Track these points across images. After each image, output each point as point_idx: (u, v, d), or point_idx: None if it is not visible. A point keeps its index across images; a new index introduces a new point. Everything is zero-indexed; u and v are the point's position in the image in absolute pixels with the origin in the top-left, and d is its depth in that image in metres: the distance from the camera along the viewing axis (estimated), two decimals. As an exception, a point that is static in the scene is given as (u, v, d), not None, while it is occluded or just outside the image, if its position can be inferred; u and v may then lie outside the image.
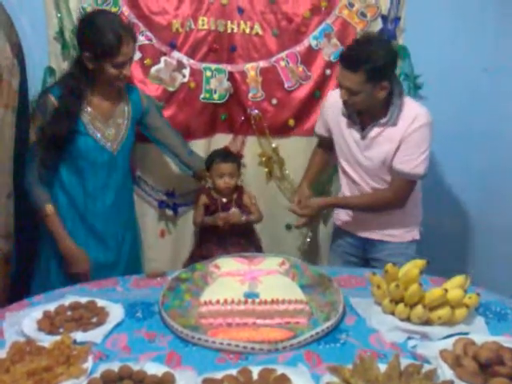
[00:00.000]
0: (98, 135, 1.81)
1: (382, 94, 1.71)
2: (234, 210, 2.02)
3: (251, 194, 2.13)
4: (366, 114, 1.80)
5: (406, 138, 1.74)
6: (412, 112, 1.75)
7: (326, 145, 2.04)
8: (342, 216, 2.03)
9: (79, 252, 1.83)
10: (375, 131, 1.79)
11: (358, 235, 1.99)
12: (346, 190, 1.99)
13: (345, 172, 1.95)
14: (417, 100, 2.16)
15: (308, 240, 2.31)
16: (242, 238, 2.06)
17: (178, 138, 2.06)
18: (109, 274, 1.75)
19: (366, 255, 2.01)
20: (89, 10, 2.06)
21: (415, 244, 1.96)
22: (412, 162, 1.75)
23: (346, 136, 1.88)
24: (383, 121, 1.77)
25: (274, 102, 2.22)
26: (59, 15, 2.06)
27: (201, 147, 2.25)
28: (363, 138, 1.83)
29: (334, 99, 1.89)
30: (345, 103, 1.79)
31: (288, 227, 2.37)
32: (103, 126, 1.82)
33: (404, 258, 1.85)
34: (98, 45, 1.67)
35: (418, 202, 1.96)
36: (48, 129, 1.73)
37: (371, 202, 1.89)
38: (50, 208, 1.78)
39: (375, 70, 1.65)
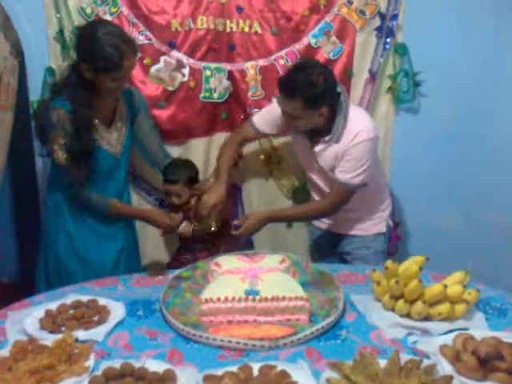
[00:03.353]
0: (105, 144, 1.81)
1: (321, 119, 1.76)
2: (183, 224, 1.97)
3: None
4: (311, 131, 1.85)
5: (347, 150, 1.79)
6: (355, 128, 1.78)
7: (245, 137, 2.06)
8: None
9: (152, 213, 1.87)
10: (320, 147, 1.85)
11: (332, 231, 2.08)
12: (312, 191, 2.06)
13: (306, 174, 2.03)
14: (415, 98, 2.18)
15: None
16: (207, 243, 2.05)
17: (158, 139, 2.06)
18: (111, 273, 1.77)
19: (337, 249, 2.09)
20: (88, 10, 2.07)
21: (382, 236, 2.03)
22: (350, 173, 1.80)
23: (301, 143, 1.94)
24: (327, 138, 1.82)
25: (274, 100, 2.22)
26: (58, 15, 2.06)
27: (201, 146, 2.25)
28: (312, 148, 1.89)
29: None
30: (288, 126, 1.86)
31: (288, 225, 2.37)
32: (107, 134, 1.82)
33: (371, 250, 1.99)
34: (98, 58, 1.62)
35: (383, 197, 2.03)
36: (75, 145, 1.69)
37: (306, 212, 1.97)
38: (112, 201, 1.82)
39: (312, 97, 1.68)
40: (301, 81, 1.67)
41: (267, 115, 2.00)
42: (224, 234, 2.00)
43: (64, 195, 1.83)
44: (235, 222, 1.87)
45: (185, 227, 1.97)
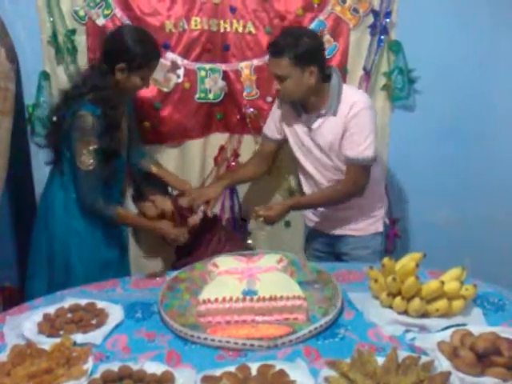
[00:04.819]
0: (118, 146, 1.84)
1: (312, 79, 1.76)
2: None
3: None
4: (308, 106, 1.85)
5: (347, 124, 1.79)
6: (350, 99, 1.79)
7: (268, 152, 2.07)
8: (310, 216, 2.09)
9: (163, 225, 1.93)
10: (318, 122, 1.84)
11: (326, 232, 2.05)
12: (305, 187, 2.03)
13: (302, 168, 2.00)
14: (410, 95, 2.18)
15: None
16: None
17: (136, 138, 2.07)
18: (117, 271, 1.80)
19: (334, 250, 2.06)
20: (81, 13, 2.08)
21: (380, 236, 2.01)
22: (358, 148, 1.79)
23: (297, 130, 1.92)
24: (323, 111, 1.82)
25: (269, 99, 2.22)
26: (52, 19, 2.06)
27: (197, 147, 2.25)
28: (310, 129, 1.87)
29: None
30: (278, 93, 1.85)
31: (286, 224, 2.37)
32: (118, 134, 1.84)
33: (369, 250, 1.96)
34: (135, 56, 1.74)
35: (380, 195, 2.02)
36: (106, 148, 1.75)
37: (331, 196, 1.91)
38: (119, 210, 1.85)
39: (300, 53, 1.71)
40: (288, 39, 1.73)
41: (271, 121, 2.03)
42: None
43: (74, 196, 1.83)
44: (257, 209, 1.86)
45: (191, 220, 1.98)
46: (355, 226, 1.99)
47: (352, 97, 1.81)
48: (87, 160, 1.72)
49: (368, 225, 1.99)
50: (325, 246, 2.10)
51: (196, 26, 2.13)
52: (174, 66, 2.15)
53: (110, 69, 1.77)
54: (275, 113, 2.02)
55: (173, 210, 1.99)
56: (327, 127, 1.83)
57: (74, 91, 1.80)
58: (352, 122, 1.78)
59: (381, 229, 2.01)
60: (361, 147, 1.79)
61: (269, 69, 1.82)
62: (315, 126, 1.86)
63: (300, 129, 1.93)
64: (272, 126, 2.03)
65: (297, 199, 1.96)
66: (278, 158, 2.29)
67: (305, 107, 1.88)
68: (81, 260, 1.85)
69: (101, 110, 1.73)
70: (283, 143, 2.06)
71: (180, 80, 2.16)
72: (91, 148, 1.72)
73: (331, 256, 2.08)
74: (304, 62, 1.72)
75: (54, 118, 1.81)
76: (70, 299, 1.46)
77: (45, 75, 2.13)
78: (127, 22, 2.10)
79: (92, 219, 1.84)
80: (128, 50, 1.74)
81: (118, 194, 1.93)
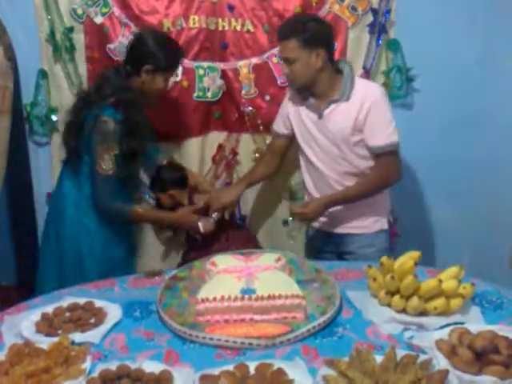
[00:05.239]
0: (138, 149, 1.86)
1: (319, 62, 1.77)
2: (201, 223, 1.97)
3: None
4: (317, 93, 1.84)
5: (365, 114, 1.78)
6: (364, 87, 1.82)
7: (279, 148, 2.06)
8: None
9: (183, 215, 1.93)
10: (330, 108, 1.83)
11: (331, 231, 2.01)
12: (308, 181, 2.00)
13: (307, 160, 1.96)
14: (408, 94, 2.17)
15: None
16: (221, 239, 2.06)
17: (151, 135, 2.05)
18: (124, 270, 1.80)
19: (339, 249, 2.02)
20: (79, 11, 2.07)
21: (384, 233, 1.98)
22: (384, 134, 1.80)
23: (306, 121, 1.91)
24: (336, 97, 1.82)
25: (267, 98, 2.22)
26: (50, 17, 2.06)
27: (195, 146, 2.25)
28: (320, 116, 1.86)
29: (293, 92, 1.95)
30: (288, 78, 1.86)
31: (285, 223, 2.37)
32: (139, 137, 1.86)
33: (374, 248, 1.92)
34: (163, 57, 1.80)
35: (384, 192, 1.98)
36: (128, 152, 1.77)
37: (368, 188, 1.88)
38: (135, 208, 1.86)
39: (307, 36, 1.74)
40: (295, 22, 1.79)
41: (280, 116, 2.03)
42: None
43: (87, 196, 1.84)
44: (293, 209, 1.85)
45: (206, 224, 1.96)
46: (360, 224, 1.95)
47: (366, 85, 1.84)
48: (107, 165, 1.74)
49: (373, 222, 1.96)
50: (329, 245, 2.04)
51: (194, 24, 2.13)
52: (173, 65, 2.15)
53: (135, 71, 1.80)
54: (284, 107, 2.00)
55: (188, 205, 2.01)
56: (339, 113, 1.82)
57: (96, 93, 1.81)
58: (372, 110, 1.78)
59: (385, 226, 1.98)
60: (386, 133, 1.79)
61: (279, 53, 1.87)
62: (327, 111, 1.84)
63: (308, 118, 1.90)
64: (280, 121, 2.02)
65: (334, 195, 1.89)
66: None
67: (314, 94, 1.86)
68: (92, 258, 1.85)
69: (122, 115, 1.75)
70: (292, 139, 2.03)
71: (178, 78, 2.15)
72: (112, 153, 1.74)
73: (335, 255, 2.03)
74: (311, 45, 1.74)
75: (72, 119, 1.82)
76: (68, 298, 1.46)
77: (43, 73, 2.13)
78: (125, 20, 2.10)
79: (103, 218, 1.84)
80: (155, 51, 1.79)
81: (132, 192, 1.93)
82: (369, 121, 1.79)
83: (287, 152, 2.10)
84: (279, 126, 2.04)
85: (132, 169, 1.85)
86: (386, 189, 1.93)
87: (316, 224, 2.05)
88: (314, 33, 1.75)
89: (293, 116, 1.96)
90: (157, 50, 1.80)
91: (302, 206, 1.90)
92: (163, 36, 1.90)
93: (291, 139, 2.04)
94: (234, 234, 2.10)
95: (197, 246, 2.06)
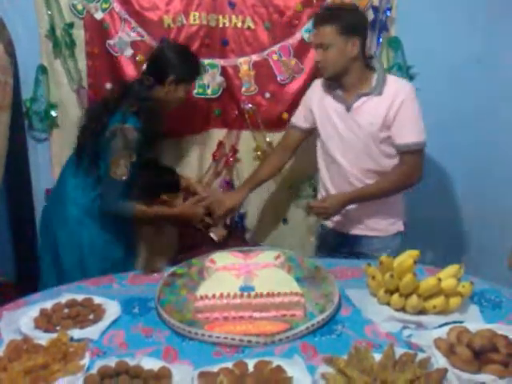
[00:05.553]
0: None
1: (354, 51, 1.75)
2: (214, 230, 1.98)
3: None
4: (347, 86, 1.81)
5: (395, 110, 1.76)
6: (395, 83, 1.80)
7: (293, 142, 2.01)
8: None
9: (185, 209, 1.94)
10: (360, 101, 1.79)
11: (345, 232, 1.96)
12: (325, 176, 1.94)
13: (328, 154, 1.90)
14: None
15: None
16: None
17: None
18: (125, 269, 1.78)
19: (353, 251, 1.96)
20: (79, 7, 2.07)
21: (400, 236, 1.94)
22: (412, 132, 1.77)
23: (331, 113, 1.86)
24: (367, 90, 1.79)
25: (268, 95, 2.22)
26: (50, 13, 2.05)
27: (195, 143, 2.25)
28: (348, 109, 1.81)
29: (318, 85, 1.92)
30: (319, 65, 1.81)
31: (284, 221, 2.37)
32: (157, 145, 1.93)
33: (389, 250, 1.83)
34: (189, 69, 1.88)
35: (400, 194, 1.94)
36: (145, 160, 1.82)
37: (392, 186, 1.84)
38: (137, 206, 1.83)
39: (345, 23, 1.73)
40: (334, 9, 1.83)
41: (301, 108, 1.99)
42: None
43: (92, 198, 1.84)
44: (311, 203, 1.82)
45: (219, 232, 1.97)
46: (376, 226, 1.91)
47: (397, 81, 1.82)
48: (121, 171, 1.76)
49: (389, 224, 1.92)
50: (343, 246, 1.97)
51: (195, 21, 2.12)
52: (173, 61, 2.14)
53: (159, 81, 1.84)
54: (307, 99, 1.96)
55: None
56: (370, 107, 1.78)
57: (119, 101, 1.82)
58: (402, 107, 1.75)
59: (402, 228, 1.94)
60: (414, 131, 1.77)
61: (312, 41, 1.83)
62: (356, 104, 1.79)
63: (334, 110, 1.85)
64: (301, 114, 1.97)
65: (354, 192, 1.83)
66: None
67: (343, 86, 1.82)
68: (93, 257, 1.85)
69: (143, 124, 1.78)
70: (308, 134, 1.99)
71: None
72: (128, 161, 1.76)
73: (348, 256, 1.93)
74: (348, 33, 1.72)
75: (92, 123, 1.83)
76: (66, 294, 1.46)
77: (42, 69, 2.12)
78: (126, 16, 2.09)
79: (105, 220, 1.84)
80: (180, 63, 1.86)
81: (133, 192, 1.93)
82: (398, 118, 1.76)
83: (298, 147, 2.05)
84: (298, 119, 1.99)
85: (143, 176, 1.86)
86: (407, 189, 1.86)
87: (329, 223, 1.99)
88: (351, 21, 1.74)
89: (317, 108, 1.90)
90: (181, 61, 1.86)
91: (320, 200, 1.85)
92: (185, 48, 1.96)
93: (308, 134, 1.99)
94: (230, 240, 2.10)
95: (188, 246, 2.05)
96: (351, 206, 1.86)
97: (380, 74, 1.80)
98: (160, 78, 1.84)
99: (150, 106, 1.81)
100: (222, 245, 1.98)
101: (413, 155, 1.79)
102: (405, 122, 1.77)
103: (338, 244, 1.99)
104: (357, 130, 1.81)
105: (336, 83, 1.83)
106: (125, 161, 1.75)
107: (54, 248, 1.89)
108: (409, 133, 1.77)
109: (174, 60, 1.85)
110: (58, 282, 1.77)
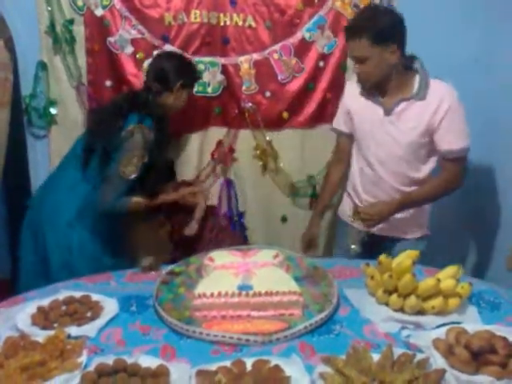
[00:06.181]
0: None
1: (394, 58, 1.66)
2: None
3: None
4: (388, 90, 1.73)
5: (441, 116, 1.68)
6: (439, 88, 1.71)
7: (344, 147, 1.94)
8: None
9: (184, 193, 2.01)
10: (401, 106, 1.72)
11: (371, 233, 1.86)
12: (357, 184, 1.89)
13: (365, 160, 1.84)
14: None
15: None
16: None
17: None
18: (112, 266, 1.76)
19: (378, 251, 1.79)
20: (80, 3, 2.06)
21: (426, 240, 1.89)
22: (458, 138, 1.71)
23: (370, 117, 1.79)
24: (411, 94, 1.71)
25: (268, 94, 2.22)
26: (50, 9, 2.04)
27: (195, 141, 2.25)
28: (388, 113, 1.74)
29: (352, 87, 1.84)
30: (359, 77, 1.73)
31: (283, 220, 2.37)
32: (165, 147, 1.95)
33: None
34: (192, 73, 1.99)
35: None
36: (154, 161, 1.85)
37: (439, 191, 1.79)
38: (132, 199, 1.85)
39: (378, 32, 1.62)
40: (364, 19, 1.66)
41: (340, 113, 1.92)
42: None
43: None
44: (359, 208, 1.75)
45: (193, 227, 2.00)
46: (405, 229, 1.86)
47: (441, 85, 1.71)
48: (130, 171, 1.78)
49: (416, 227, 1.88)
50: (366, 246, 1.88)
51: (196, 18, 2.12)
52: (173, 59, 2.14)
53: (167, 88, 1.91)
54: (344, 103, 1.88)
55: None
56: (412, 113, 1.71)
57: (131, 104, 1.85)
58: (449, 113, 1.67)
59: (428, 231, 1.90)
60: (461, 138, 1.70)
61: (348, 54, 1.76)
62: (398, 109, 1.72)
63: (373, 114, 1.77)
64: (341, 118, 1.91)
65: (403, 199, 1.75)
66: (276, 154, 2.29)
67: (384, 91, 1.74)
68: (82, 260, 1.84)
69: (156, 128, 1.82)
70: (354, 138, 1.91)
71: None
72: (140, 161, 1.79)
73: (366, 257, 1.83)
74: (383, 41, 1.62)
75: (105, 122, 1.85)
76: (64, 291, 1.45)
77: (42, 65, 2.11)
78: (126, 13, 2.09)
79: (95, 221, 1.83)
80: (185, 70, 1.96)
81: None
82: (444, 124, 1.68)
83: (351, 152, 1.93)
84: (339, 124, 1.92)
85: (148, 178, 1.87)
86: (449, 195, 1.80)
87: (358, 225, 1.88)
88: (384, 28, 1.62)
89: (354, 111, 1.84)
90: (185, 68, 1.96)
91: (368, 206, 1.78)
92: (181, 54, 2.05)
93: (354, 137, 1.90)
94: (222, 236, 2.09)
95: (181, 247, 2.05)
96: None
97: (422, 76, 1.71)
98: (167, 85, 1.91)
99: (161, 112, 1.88)
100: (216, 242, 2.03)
101: (456, 162, 1.74)
102: (451, 129, 1.69)
103: (362, 244, 1.90)
104: (396, 135, 1.75)
105: (374, 89, 1.76)
106: (137, 160, 1.78)
107: (41, 248, 1.86)
108: (455, 139, 1.70)
109: (180, 67, 1.93)
110: (42, 283, 1.75)
